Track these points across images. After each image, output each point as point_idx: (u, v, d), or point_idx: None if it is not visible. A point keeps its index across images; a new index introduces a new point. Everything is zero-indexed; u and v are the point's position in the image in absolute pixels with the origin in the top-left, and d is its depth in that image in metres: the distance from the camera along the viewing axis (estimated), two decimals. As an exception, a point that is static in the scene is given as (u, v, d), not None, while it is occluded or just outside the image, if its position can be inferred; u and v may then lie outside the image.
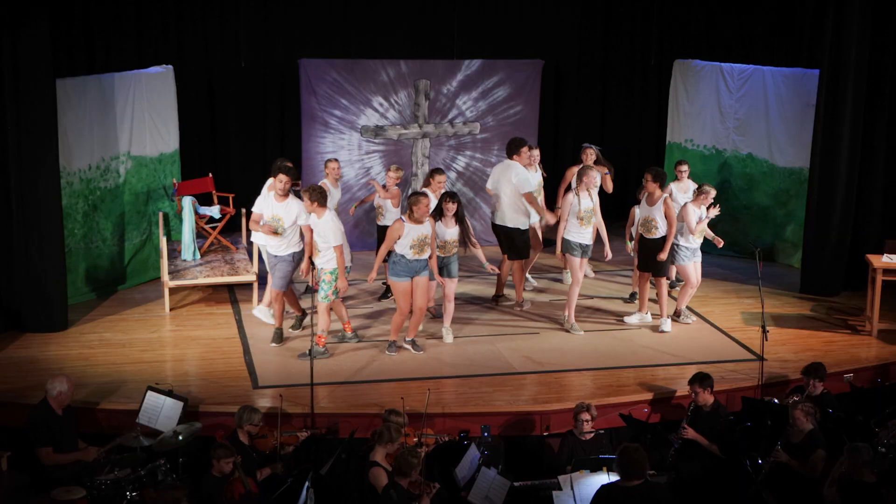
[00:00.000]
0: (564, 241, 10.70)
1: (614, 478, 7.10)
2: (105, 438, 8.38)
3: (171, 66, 12.75)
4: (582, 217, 10.59)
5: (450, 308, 10.53)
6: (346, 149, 13.62)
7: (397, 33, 14.19)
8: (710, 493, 8.19)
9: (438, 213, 10.16)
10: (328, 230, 9.79)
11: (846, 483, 7.31)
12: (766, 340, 10.10)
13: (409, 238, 9.79)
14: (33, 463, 8.08)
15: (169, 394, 8.68)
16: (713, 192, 10.89)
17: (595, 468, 7.74)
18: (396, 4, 14.09)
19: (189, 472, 7.95)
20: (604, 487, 6.59)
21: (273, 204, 10.25)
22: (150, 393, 8.64)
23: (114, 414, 8.89)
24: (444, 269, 10.33)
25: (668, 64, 14.48)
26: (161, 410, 8.55)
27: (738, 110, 13.48)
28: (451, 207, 10.13)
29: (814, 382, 9.02)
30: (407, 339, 10.27)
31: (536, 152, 11.64)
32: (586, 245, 10.77)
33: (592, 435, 8.51)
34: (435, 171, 11.11)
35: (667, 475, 8.16)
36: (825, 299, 11.90)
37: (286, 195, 10.24)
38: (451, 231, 10.23)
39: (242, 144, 14.29)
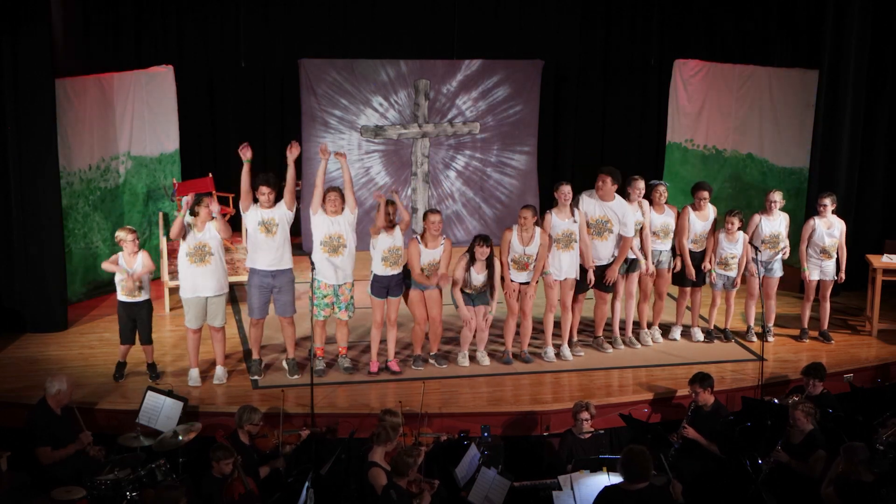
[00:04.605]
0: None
1: (615, 478, 7.10)
2: (105, 438, 8.37)
3: (171, 66, 12.77)
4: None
5: (484, 335, 10.02)
6: (345, 148, 13.62)
7: (397, 33, 14.20)
8: (710, 493, 8.19)
9: (471, 258, 9.62)
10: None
11: (844, 483, 7.31)
12: (767, 340, 10.09)
13: (421, 262, 9.57)
14: (32, 463, 8.07)
15: (169, 394, 8.68)
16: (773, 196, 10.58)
17: (595, 468, 7.74)
18: (396, 4, 14.10)
19: (189, 472, 7.95)
20: (606, 489, 6.57)
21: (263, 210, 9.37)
22: (150, 393, 8.64)
23: (114, 414, 8.89)
24: (477, 297, 9.80)
25: (668, 64, 14.50)
26: (161, 410, 8.55)
27: (738, 110, 13.48)
28: (485, 252, 9.56)
29: (813, 382, 9.02)
30: (431, 353, 10.06)
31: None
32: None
33: (591, 434, 8.51)
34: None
35: (666, 475, 8.14)
36: (825, 299, 11.90)
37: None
38: (480, 277, 9.67)
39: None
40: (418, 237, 9.68)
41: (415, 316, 9.83)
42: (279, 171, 14.20)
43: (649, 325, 10.78)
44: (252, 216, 9.36)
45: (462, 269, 9.67)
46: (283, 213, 9.39)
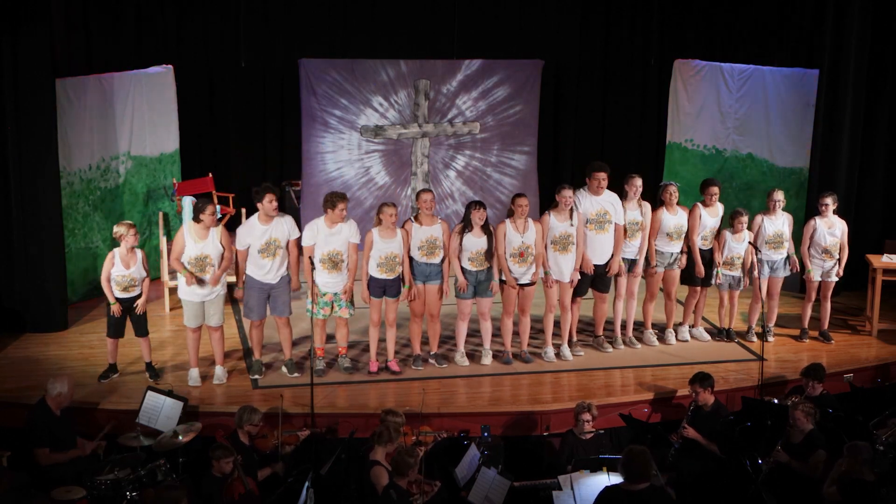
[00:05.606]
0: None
1: (615, 478, 7.10)
2: (105, 438, 8.37)
3: (171, 66, 12.76)
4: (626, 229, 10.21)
5: (487, 327, 10.05)
6: (345, 148, 13.63)
7: (397, 33, 14.19)
8: (710, 493, 8.19)
9: (466, 225, 9.66)
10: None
11: (846, 482, 7.31)
12: (767, 341, 10.08)
13: (417, 239, 9.61)
14: (32, 463, 8.07)
15: (169, 394, 8.68)
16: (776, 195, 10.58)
17: (595, 468, 7.74)
18: (396, 4, 14.09)
19: (189, 472, 7.95)
20: (607, 489, 6.56)
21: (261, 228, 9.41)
22: (150, 393, 8.64)
23: (114, 414, 8.89)
24: (479, 284, 9.77)
25: (668, 64, 14.48)
26: (161, 410, 8.55)
27: (738, 110, 13.48)
28: (482, 215, 9.60)
29: (812, 384, 9.01)
30: (431, 353, 10.05)
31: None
32: (625, 259, 10.30)
33: (592, 435, 8.51)
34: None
35: (667, 475, 8.15)
36: (825, 299, 11.89)
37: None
38: (479, 241, 9.63)
39: (242, 144, 14.29)
40: (412, 218, 9.71)
41: (410, 308, 9.83)
42: (279, 171, 14.35)
43: (661, 328, 10.77)
44: (254, 240, 9.35)
45: (457, 238, 9.63)
46: (286, 230, 9.41)
